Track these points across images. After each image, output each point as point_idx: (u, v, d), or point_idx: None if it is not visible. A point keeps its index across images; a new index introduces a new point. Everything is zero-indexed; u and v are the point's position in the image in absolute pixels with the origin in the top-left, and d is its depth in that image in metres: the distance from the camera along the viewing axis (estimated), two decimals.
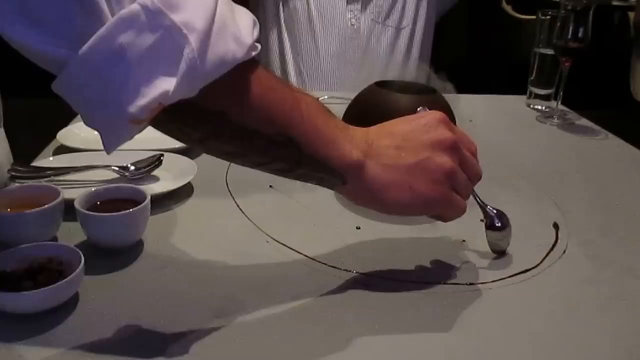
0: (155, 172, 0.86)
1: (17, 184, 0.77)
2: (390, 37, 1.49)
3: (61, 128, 1.05)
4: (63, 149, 0.95)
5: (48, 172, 0.82)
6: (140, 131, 0.49)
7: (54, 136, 1.00)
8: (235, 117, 0.52)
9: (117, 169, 0.84)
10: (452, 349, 0.56)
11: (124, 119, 0.45)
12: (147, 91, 0.44)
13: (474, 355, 0.55)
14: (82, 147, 1.01)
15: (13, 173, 0.79)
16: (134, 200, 0.69)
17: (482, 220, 0.78)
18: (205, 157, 0.91)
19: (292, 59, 1.49)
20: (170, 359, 0.53)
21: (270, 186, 0.86)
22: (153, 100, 0.45)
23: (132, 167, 0.85)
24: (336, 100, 1.25)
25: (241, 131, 0.53)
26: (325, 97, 1.28)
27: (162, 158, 0.86)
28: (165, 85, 0.45)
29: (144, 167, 0.85)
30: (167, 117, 0.48)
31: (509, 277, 0.67)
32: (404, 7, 1.48)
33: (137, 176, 0.84)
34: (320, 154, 0.56)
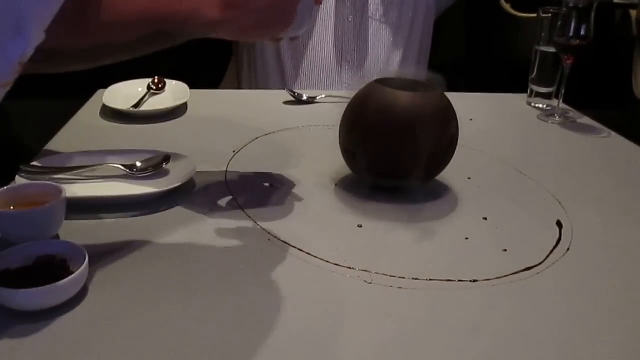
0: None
1: (21, 183, 0.77)
2: (389, 35, 1.49)
3: (60, 128, 1.05)
4: (75, 136, 0.94)
5: (57, 170, 0.82)
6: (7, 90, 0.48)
7: (53, 136, 1.00)
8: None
9: (123, 167, 0.84)
10: (455, 346, 0.55)
11: None
12: (4, 56, 0.44)
13: (476, 352, 0.55)
14: (122, 108, 1.12)
15: (23, 174, 0.79)
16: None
17: (485, 219, 0.79)
18: (205, 157, 0.92)
19: (289, 57, 1.48)
20: (175, 355, 0.53)
21: (272, 185, 0.86)
22: (13, 62, 0.44)
23: (139, 165, 0.84)
24: (335, 99, 1.26)
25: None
26: (323, 95, 1.28)
27: (168, 161, 0.85)
28: (18, 44, 0.44)
29: (151, 167, 0.84)
30: (39, 64, 0.49)
31: (513, 274, 0.67)
32: (401, 5, 1.48)
33: (144, 174, 0.83)
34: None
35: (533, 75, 1.29)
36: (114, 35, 0.63)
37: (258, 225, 0.75)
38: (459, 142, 0.83)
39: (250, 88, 1.58)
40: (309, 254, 0.69)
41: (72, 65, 0.62)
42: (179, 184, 0.80)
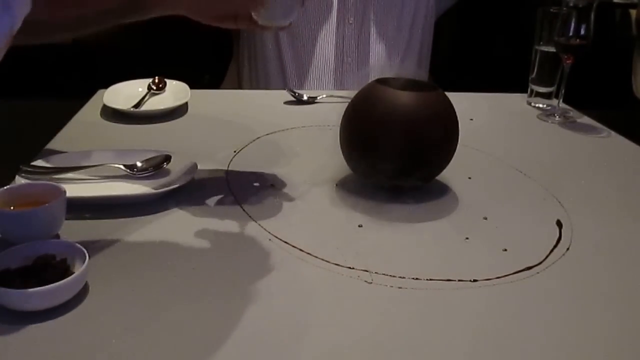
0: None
1: (20, 183, 0.77)
2: (390, 36, 1.48)
3: (60, 128, 1.05)
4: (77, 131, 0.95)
5: (57, 170, 0.82)
6: None
7: (53, 136, 1.01)
8: None
9: (124, 167, 0.84)
10: (455, 345, 0.55)
11: None
12: None
13: (477, 351, 0.55)
14: (123, 108, 1.12)
15: (23, 174, 0.79)
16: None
17: (485, 219, 0.79)
18: (206, 157, 0.92)
19: (291, 58, 1.48)
20: (175, 354, 0.53)
21: (272, 185, 0.86)
22: (2, 35, 0.45)
23: (139, 165, 0.84)
24: (336, 98, 1.26)
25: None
26: (324, 95, 1.28)
27: (168, 160, 0.85)
28: (6, 18, 0.45)
29: (151, 167, 0.84)
30: (21, 35, 0.49)
31: (513, 273, 0.67)
32: (402, 6, 1.48)
33: (144, 174, 0.83)
34: None
35: (533, 75, 1.29)
36: (88, 4, 0.64)
37: (258, 224, 0.75)
38: (459, 142, 0.83)
39: (250, 88, 1.58)
40: (309, 253, 0.69)
41: (53, 35, 0.63)
42: (180, 184, 0.80)
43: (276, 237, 0.72)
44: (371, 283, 0.64)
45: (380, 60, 1.48)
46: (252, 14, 0.73)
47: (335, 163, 0.88)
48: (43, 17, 0.60)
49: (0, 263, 0.58)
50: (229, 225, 0.75)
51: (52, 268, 0.58)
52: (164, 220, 0.76)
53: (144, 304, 0.59)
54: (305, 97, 1.27)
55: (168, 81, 1.25)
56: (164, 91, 1.24)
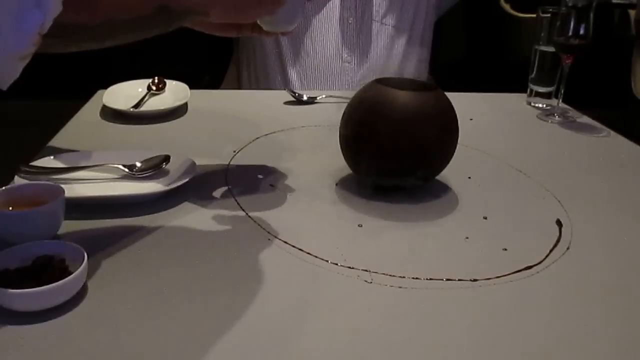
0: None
1: (21, 183, 0.77)
2: (390, 36, 1.49)
3: (60, 128, 1.05)
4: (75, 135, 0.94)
5: (57, 170, 0.82)
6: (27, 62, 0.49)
7: (53, 136, 1.00)
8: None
9: (123, 167, 0.84)
10: (455, 345, 0.55)
11: (13, 59, 0.46)
12: (23, 26, 0.45)
13: (476, 350, 0.55)
14: (123, 108, 1.11)
15: (22, 174, 0.79)
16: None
17: (484, 218, 0.79)
18: (205, 157, 0.92)
19: (291, 58, 1.48)
20: (174, 353, 0.52)
21: (272, 185, 0.86)
22: (32, 32, 0.45)
23: (139, 165, 0.84)
24: (335, 99, 1.26)
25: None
26: (324, 95, 1.28)
27: (168, 161, 0.85)
28: (37, 14, 0.45)
29: (151, 167, 0.84)
30: (49, 39, 0.49)
31: (512, 273, 0.67)
32: (402, 6, 1.48)
33: (144, 174, 0.83)
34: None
35: (532, 75, 1.29)
36: (118, 10, 0.63)
37: (258, 225, 0.75)
38: (459, 142, 0.83)
39: (250, 88, 1.58)
40: (309, 253, 0.69)
41: (80, 43, 0.62)
42: (179, 184, 0.80)
43: (276, 237, 0.72)
44: (371, 283, 0.64)
45: (380, 60, 1.49)
46: (257, 20, 0.73)
47: (335, 163, 0.88)
48: (72, 20, 0.59)
49: None
50: (229, 225, 0.75)
51: (50, 268, 0.58)
52: (163, 220, 0.76)
53: (143, 305, 0.59)
54: (305, 97, 1.27)
55: (168, 81, 1.25)
56: (164, 91, 1.24)
